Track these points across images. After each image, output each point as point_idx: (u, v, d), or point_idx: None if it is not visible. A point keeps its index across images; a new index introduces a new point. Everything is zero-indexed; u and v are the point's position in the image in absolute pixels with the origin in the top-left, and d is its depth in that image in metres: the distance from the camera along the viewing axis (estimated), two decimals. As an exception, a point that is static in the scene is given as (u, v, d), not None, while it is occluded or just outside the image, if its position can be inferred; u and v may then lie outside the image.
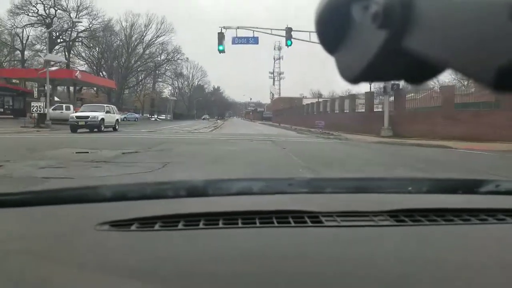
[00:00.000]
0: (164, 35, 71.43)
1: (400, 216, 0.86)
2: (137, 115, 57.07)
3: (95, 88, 66.08)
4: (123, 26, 68.36)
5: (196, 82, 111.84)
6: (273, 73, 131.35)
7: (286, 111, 60.39)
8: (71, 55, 62.16)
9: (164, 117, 79.08)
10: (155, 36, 70.77)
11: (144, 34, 70.23)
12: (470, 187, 1.16)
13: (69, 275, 0.63)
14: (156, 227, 0.82)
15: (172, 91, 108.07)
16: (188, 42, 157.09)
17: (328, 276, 0.63)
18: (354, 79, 0.36)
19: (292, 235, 0.80)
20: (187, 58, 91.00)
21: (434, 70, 0.33)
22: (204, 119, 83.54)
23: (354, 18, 0.34)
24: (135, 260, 0.69)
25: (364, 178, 1.56)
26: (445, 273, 0.64)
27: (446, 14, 0.28)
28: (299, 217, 0.85)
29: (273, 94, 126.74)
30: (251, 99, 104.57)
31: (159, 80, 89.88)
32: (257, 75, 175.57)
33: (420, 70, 0.33)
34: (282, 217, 0.85)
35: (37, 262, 0.69)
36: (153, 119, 69.63)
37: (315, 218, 0.85)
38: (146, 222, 0.83)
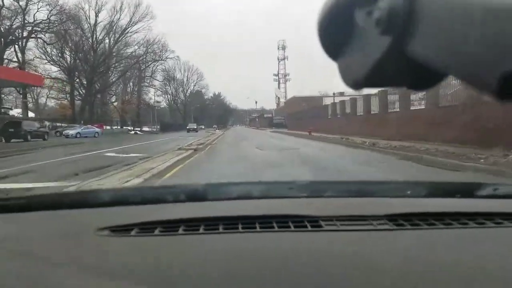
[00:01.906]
0: (141, 21, 53.87)
1: (399, 220, 0.85)
2: (97, 129, 39.55)
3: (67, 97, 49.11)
4: (84, 11, 50.76)
5: (192, 87, 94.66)
6: (277, 75, 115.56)
7: (306, 114, 42.75)
8: (34, 58, 45.00)
9: (149, 129, 61.50)
10: (130, 23, 53.27)
11: (114, 19, 52.58)
12: (469, 190, 1.14)
13: (69, 280, 0.62)
14: (156, 232, 0.80)
15: (168, 99, 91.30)
16: (182, 45, 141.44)
17: (327, 280, 0.62)
18: (357, 85, 0.35)
19: (292, 239, 0.79)
20: (178, 57, 74.19)
21: (437, 76, 0.33)
22: (190, 130, 55.87)
23: (357, 24, 0.33)
24: (135, 265, 0.67)
25: (363, 182, 1.53)
26: (443, 277, 0.63)
27: (449, 20, 0.27)
28: (299, 222, 0.84)
29: (278, 98, 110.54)
30: (256, 102, 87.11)
31: (146, 84, 72.85)
32: (259, 80, 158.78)
33: (423, 76, 0.33)
34: (282, 221, 0.84)
35: (37, 267, 0.68)
36: (133, 132, 52.09)
37: (315, 222, 0.84)
38: (146, 227, 0.82)
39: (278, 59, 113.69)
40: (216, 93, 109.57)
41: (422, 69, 0.30)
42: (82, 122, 48.49)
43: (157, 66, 73.89)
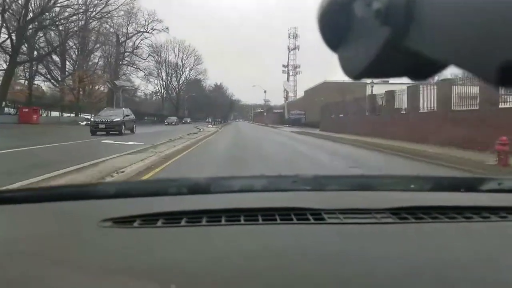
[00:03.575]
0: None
1: (402, 213, 0.83)
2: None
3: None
4: None
5: (188, 72, 76.07)
6: (287, 66, 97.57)
7: (354, 108, 24.00)
8: None
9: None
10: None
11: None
12: (473, 185, 1.10)
13: (71, 271, 0.61)
14: (159, 223, 0.79)
15: (160, 85, 72.86)
16: (178, 27, 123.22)
17: (330, 273, 0.61)
18: (357, 76, 0.35)
19: (295, 232, 0.77)
20: (167, 28, 55.39)
21: (437, 66, 0.32)
22: (98, 125, 19.62)
23: (357, 15, 0.32)
24: (137, 256, 0.66)
25: (366, 176, 1.50)
26: (447, 270, 0.62)
27: (449, 10, 0.27)
28: (301, 214, 0.81)
29: (287, 92, 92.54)
30: (265, 91, 68.34)
31: (126, 61, 54.48)
32: (266, 73, 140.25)
33: (423, 67, 0.32)
34: (285, 214, 0.82)
35: (40, 258, 0.66)
36: (84, 123, 33.53)
37: (318, 215, 0.81)
38: (149, 219, 0.80)
39: (289, 48, 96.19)
40: (218, 84, 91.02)
41: (421, 60, 0.30)
42: (3, 105, 30.65)
43: (141, 38, 55.65)
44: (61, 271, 0.61)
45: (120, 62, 54.59)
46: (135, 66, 55.95)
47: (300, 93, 76.78)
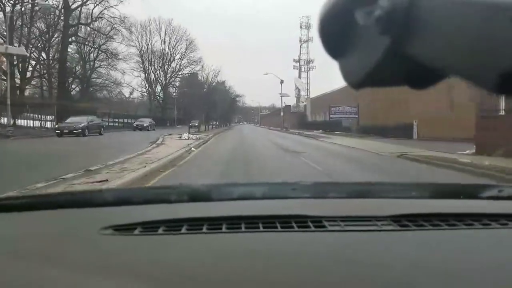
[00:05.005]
0: None
1: (403, 220, 0.82)
2: None
3: None
4: None
5: (178, 61, 57.55)
6: (298, 61, 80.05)
7: None
8: None
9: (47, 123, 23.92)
10: None
11: None
12: (473, 192, 1.11)
13: (72, 279, 0.61)
14: (160, 231, 0.78)
15: (145, 77, 54.75)
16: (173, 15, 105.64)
17: (331, 280, 0.60)
18: (357, 84, 0.34)
19: (296, 239, 0.76)
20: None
21: (438, 75, 0.31)
22: None
23: (357, 23, 0.32)
24: (138, 264, 0.66)
25: (367, 183, 1.52)
26: (448, 278, 0.61)
27: (449, 18, 0.27)
28: (302, 222, 0.80)
29: (299, 90, 76.35)
30: (282, 81, 49.56)
31: (80, 37, 36.50)
32: (274, 71, 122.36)
33: (424, 75, 0.32)
34: (286, 221, 0.81)
35: (40, 265, 0.66)
36: None
37: (319, 222, 0.80)
38: (150, 227, 0.80)
39: (301, 40, 79.16)
40: (220, 81, 72.54)
41: (422, 68, 0.30)
42: None
43: (104, 6, 37.52)
44: (62, 279, 0.60)
45: (70, 39, 36.68)
46: (91, 45, 37.78)
47: (314, 92, 59.28)
